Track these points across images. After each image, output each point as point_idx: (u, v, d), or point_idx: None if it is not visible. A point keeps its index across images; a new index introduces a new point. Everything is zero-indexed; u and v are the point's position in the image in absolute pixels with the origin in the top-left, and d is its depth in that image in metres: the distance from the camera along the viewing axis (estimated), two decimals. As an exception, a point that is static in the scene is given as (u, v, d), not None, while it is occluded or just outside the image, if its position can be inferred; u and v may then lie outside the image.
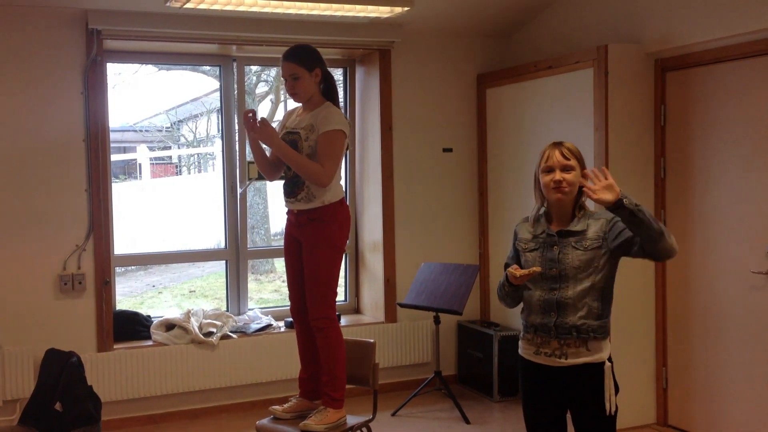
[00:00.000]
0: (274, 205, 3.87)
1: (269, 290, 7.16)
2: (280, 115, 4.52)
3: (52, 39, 4.80)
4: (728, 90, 4.31)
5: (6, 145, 4.73)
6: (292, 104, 4.02)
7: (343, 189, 3.83)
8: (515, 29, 5.80)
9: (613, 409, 2.84)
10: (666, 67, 4.69)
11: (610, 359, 2.87)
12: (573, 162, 2.90)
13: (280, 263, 6.92)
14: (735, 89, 4.27)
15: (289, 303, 3.99)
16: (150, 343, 5.12)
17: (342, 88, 6.02)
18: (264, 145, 3.81)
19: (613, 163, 4.68)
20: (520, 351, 3.05)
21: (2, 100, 4.72)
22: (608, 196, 2.71)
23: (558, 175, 2.89)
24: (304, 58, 3.75)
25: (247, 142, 4.54)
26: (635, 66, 4.71)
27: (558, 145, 2.95)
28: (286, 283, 4.04)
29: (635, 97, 4.73)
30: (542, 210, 3.01)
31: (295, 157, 3.66)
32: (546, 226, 2.97)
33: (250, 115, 3.73)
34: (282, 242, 3.95)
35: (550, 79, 5.13)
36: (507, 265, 3.07)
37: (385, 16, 5.08)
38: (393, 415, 5.14)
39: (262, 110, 7.71)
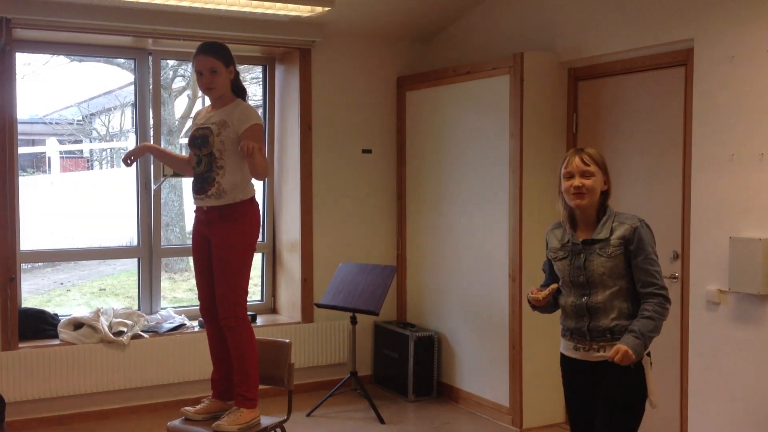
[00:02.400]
0: (190, 202, 3.82)
1: (183, 289, 7.03)
2: (196, 111, 4.49)
3: (-43, 25, 4.61)
4: (636, 100, 4.48)
5: None
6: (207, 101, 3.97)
7: (254, 188, 3.82)
8: (435, 33, 5.88)
9: (656, 402, 2.92)
10: (578, 76, 4.84)
11: (648, 353, 2.93)
12: (593, 168, 2.95)
13: (194, 262, 6.79)
14: (642, 99, 4.44)
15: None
16: (57, 342, 4.96)
17: (261, 86, 5.98)
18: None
19: (527, 168, 4.80)
20: (561, 349, 3.15)
21: None
22: (629, 361, 2.83)
23: (577, 181, 2.95)
24: (224, 53, 3.74)
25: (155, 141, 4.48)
26: (549, 74, 4.84)
27: (579, 151, 3.00)
28: (196, 282, 3.98)
29: (549, 104, 4.86)
30: (566, 216, 3.06)
31: (255, 156, 3.58)
32: (571, 233, 3.02)
33: (129, 161, 3.89)
34: (194, 241, 3.89)
35: (468, 84, 5.22)
36: (543, 270, 3.20)
37: (306, 15, 5.07)
38: (308, 415, 5.13)
39: (179, 106, 7.57)
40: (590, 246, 2.96)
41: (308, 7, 4.87)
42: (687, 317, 4.08)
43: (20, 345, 4.84)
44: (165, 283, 6.31)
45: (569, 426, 3.22)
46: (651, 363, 2.94)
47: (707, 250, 3.93)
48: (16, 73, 4.90)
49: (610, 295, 2.94)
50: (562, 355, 3.15)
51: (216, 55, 3.71)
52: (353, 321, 5.30)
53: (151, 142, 5.40)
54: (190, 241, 3.92)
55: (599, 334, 2.96)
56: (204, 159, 3.70)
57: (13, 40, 4.76)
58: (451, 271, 5.48)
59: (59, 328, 5.02)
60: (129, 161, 3.89)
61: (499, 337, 5.00)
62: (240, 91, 3.83)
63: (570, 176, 2.96)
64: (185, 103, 7.79)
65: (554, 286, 3.04)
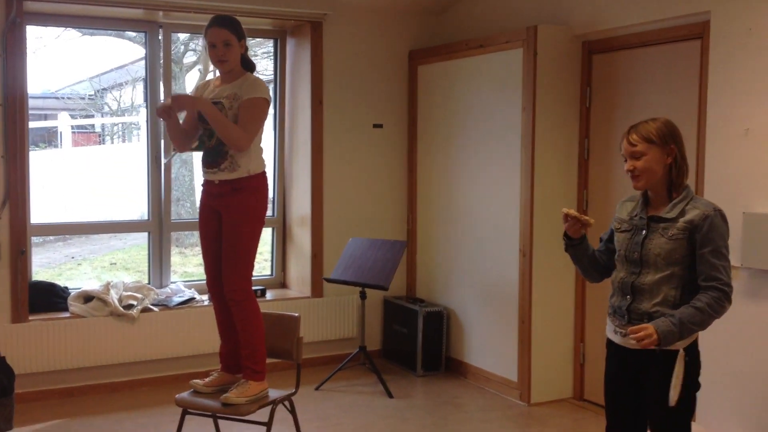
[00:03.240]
0: (201, 177, 3.81)
1: (194, 264, 7.04)
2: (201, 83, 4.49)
3: (-33, -4, 4.59)
4: (651, 74, 4.42)
5: None
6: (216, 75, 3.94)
7: (265, 162, 3.79)
8: (447, 6, 5.81)
9: (675, 399, 2.70)
10: (592, 50, 4.78)
11: (689, 349, 2.75)
12: (641, 147, 2.74)
13: (205, 237, 6.79)
14: (657, 73, 4.38)
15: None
16: (67, 315, 4.98)
17: (272, 60, 5.94)
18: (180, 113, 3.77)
19: (539, 143, 4.76)
20: (606, 330, 2.98)
21: None
22: (651, 344, 2.64)
23: (629, 164, 2.79)
24: (237, 26, 3.73)
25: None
26: (563, 48, 4.77)
27: (629, 130, 2.81)
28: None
29: (562, 78, 4.80)
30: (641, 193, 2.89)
31: (219, 116, 3.60)
32: (642, 208, 2.85)
33: (162, 111, 3.69)
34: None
35: (480, 57, 5.16)
36: (600, 240, 3.02)
37: (317, -13, 5.02)
38: (317, 389, 5.14)
39: (190, 81, 7.54)
40: (656, 224, 2.77)
41: (319, -21, 4.82)
42: (699, 294, 4.03)
43: (30, 318, 4.87)
44: (175, 258, 6.33)
45: (605, 414, 3.03)
46: (686, 359, 2.72)
47: (720, 225, 3.88)
48: (26, 47, 4.88)
49: (660, 279, 2.74)
50: (607, 338, 2.98)
51: (230, 27, 3.69)
52: (362, 296, 5.29)
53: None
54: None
55: (638, 317, 2.77)
56: (216, 133, 3.67)
57: (24, 12, 4.74)
58: (461, 246, 5.45)
59: (69, 301, 5.04)
60: (165, 113, 3.70)
61: (508, 312, 4.98)
62: (249, 65, 3.81)
63: (625, 159, 2.82)
64: (196, 77, 7.76)
65: (590, 219, 2.86)
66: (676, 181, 2.79)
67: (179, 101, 3.70)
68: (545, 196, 4.78)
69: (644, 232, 2.81)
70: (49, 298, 5.07)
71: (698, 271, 2.71)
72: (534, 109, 4.72)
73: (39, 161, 7.90)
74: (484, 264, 5.24)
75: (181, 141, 3.84)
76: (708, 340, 3.96)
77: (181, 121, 3.82)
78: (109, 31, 6.41)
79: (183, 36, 7.26)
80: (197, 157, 3.98)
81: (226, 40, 3.67)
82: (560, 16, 4.83)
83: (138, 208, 6.09)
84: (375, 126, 5.84)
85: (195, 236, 7.28)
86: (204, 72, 7.58)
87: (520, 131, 4.83)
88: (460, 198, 5.44)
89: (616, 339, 2.90)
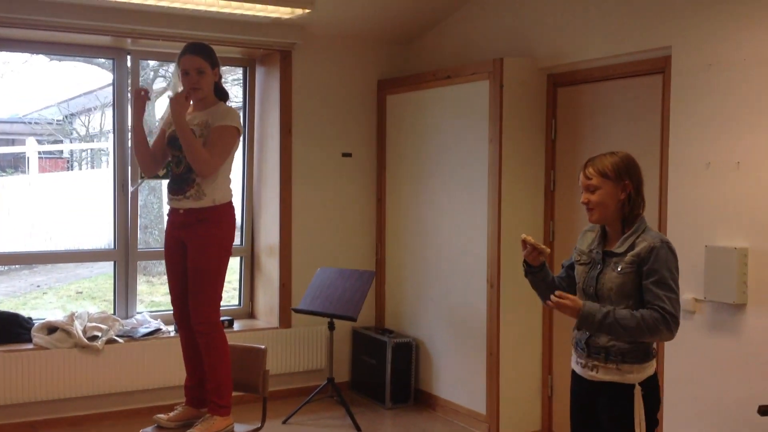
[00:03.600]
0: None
1: (161, 293, 6.97)
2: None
3: (-70, 24, 4.54)
4: (614, 107, 4.47)
5: None
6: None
7: (232, 191, 3.78)
8: (415, 37, 5.86)
9: None
10: (557, 82, 4.83)
11: (646, 382, 2.76)
12: (596, 180, 2.77)
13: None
14: (621, 106, 4.43)
15: (173, 308, 3.88)
16: (30, 346, 4.90)
17: (241, 88, 5.94)
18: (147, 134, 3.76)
19: (506, 174, 4.78)
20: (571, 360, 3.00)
21: None
22: (562, 310, 2.71)
23: (584, 197, 2.82)
24: (211, 54, 3.73)
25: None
26: (529, 80, 4.82)
27: (585, 164, 2.84)
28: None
29: (528, 110, 4.85)
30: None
31: (190, 136, 3.57)
32: (599, 242, 2.87)
33: (143, 93, 3.70)
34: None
35: (447, 88, 5.20)
36: (562, 266, 3.02)
37: (286, 16, 5.04)
38: (284, 422, 5.09)
39: (159, 107, 7.51)
40: (609, 258, 2.80)
41: (288, 9, 4.84)
42: (663, 326, 4.06)
43: (-8, 349, 4.78)
44: (143, 287, 6.26)
45: None
46: (643, 394, 2.74)
47: (683, 258, 3.87)
48: (-9, 73, 4.85)
49: None
50: (572, 369, 2.99)
51: (203, 55, 3.68)
52: (331, 326, 5.26)
53: (129, 144, 5.35)
54: (164, 245, 3.86)
55: (595, 351, 2.79)
56: (184, 160, 3.65)
57: (-13, 39, 4.70)
58: (429, 276, 5.45)
59: (33, 332, 4.96)
60: (143, 95, 3.72)
61: (476, 343, 4.98)
62: (222, 94, 3.80)
63: (582, 191, 2.85)
64: (166, 103, 7.73)
65: (546, 248, 2.88)
66: (629, 216, 2.81)
67: (177, 102, 3.60)
68: (512, 226, 4.80)
69: (599, 266, 2.83)
70: (12, 329, 4.98)
71: (645, 301, 2.72)
72: (500, 140, 4.76)
73: (5, 187, 7.81)
74: (452, 294, 5.24)
75: (149, 162, 3.81)
76: (672, 371, 3.99)
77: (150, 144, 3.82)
78: (78, 57, 6.38)
79: (152, 63, 7.25)
80: (165, 184, 3.97)
81: (200, 67, 3.66)
82: (526, 48, 4.89)
83: (105, 236, 6.04)
84: (344, 155, 5.84)
85: (163, 265, 7.21)
86: (173, 99, 7.55)
87: (487, 162, 4.86)
88: (429, 228, 5.44)
89: (577, 370, 2.92)
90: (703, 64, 3.82)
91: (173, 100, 3.59)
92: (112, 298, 5.50)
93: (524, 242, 2.94)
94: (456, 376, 5.22)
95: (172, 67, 7.55)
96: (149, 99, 3.71)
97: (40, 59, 7.13)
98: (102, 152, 8.25)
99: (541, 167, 4.91)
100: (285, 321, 5.61)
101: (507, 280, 4.78)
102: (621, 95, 4.43)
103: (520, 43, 4.93)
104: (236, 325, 5.58)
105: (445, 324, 5.32)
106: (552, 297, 2.75)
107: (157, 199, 7.10)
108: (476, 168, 4.96)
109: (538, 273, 2.99)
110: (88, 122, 8.42)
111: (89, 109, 8.22)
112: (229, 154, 3.70)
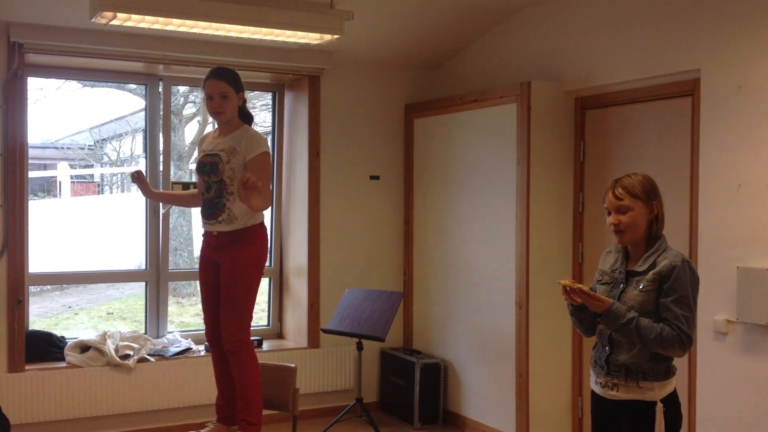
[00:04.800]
0: (199, 227, 3.87)
1: (191, 313, 7.04)
2: (201, 135, 4.58)
3: (-28, 50, 4.67)
4: (643, 129, 4.49)
5: None
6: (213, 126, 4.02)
7: (263, 213, 3.83)
8: (443, 61, 5.93)
9: None
10: (585, 105, 4.86)
11: (667, 399, 2.77)
12: (627, 201, 2.78)
13: (202, 286, 6.81)
14: (650, 129, 4.46)
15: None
16: (63, 364, 4.97)
17: (271, 112, 6.03)
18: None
19: (534, 196, 4.81)
20: (590, 381, 3.00)
21: None
22: (596, 308, 2.76)
23: (613, 218, 2.81)
24: (235, 78, 3.77)
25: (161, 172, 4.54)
26: (556, 103, 4.86)
27: (614, 183, 2.84)
28: (205, 307, 3.98)
29: (556, 132, 4.88)
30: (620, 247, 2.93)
31: (251, 201, 3.52)
32: (622, 262, 2.89)
33: (136, 174, 3.90)
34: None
35: (475, 112, 5.25)
36: (592, 289, 3.01)
37: (315, 42, 5.11)
38: (312, 441, 5.10)
39: (189, 132, 7.63)
40: (632, 277, 2.82)
41: (317, 35, 4.92)
42: (695, 347, 4.05)
43: (27, 367, 4.85)
44: (172, 308, 6.33)
45: None
46: (664, 411, 2.75)
47: (715, 279, 3.92)
48: (27, 98, 4.96)
49: None
50: (591, 390, 2.99)
51: (227, 80, 3.74)
52: (359, 347, 5.28)
53: (161, 168, 5.44)
54: (198, 266, 3.93)
55: (616, 368, 2.80)
56: (214, 185, 3.72)
57: (25, 64, 4.82)
58: (457, 297, 5.47)
59: (66, 351, 5.03)
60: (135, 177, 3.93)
61: (506, 364, 4.98)
62: (247, 117, 3.85)
63: (608, 212, 2.85)
64: (195, 128, 7.86)
65: (584, 288, 2.81)
66: (654, 235, 2.83)
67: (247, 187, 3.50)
68: (541, 248, 4.81)
69: (622, 285, 2.85)
70: (45, 348, 5.06)
71: (662, 318, 2.73)
72: (528, 163, 4.79)
73: (38, 210, 7.94)
74: (480, 315, 5.25)
75: (188, 205, 4.03)
76: (704, 392, 3.97)
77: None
78: (110, 83, 6.51)
79: (183, 88, 7.39)
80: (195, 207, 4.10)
81: (223, 92, 3.72)
82: (553, 72, 4.93)
83: (136, 258, 6.12)
84: (372, 177, 5.90)
85: (192, 286, 7.29)
86: (203, 124, 7.68)
87: (515, 184, 4.89)
88: (456, 249, 5.47)
89: (597, 389, 2.92)
90: (733, 86, 3.84)
91: (240, 191, 3.54)
92: (143, 318, 5.57)
93: (564, 287, 2.87)
94: (485, 397, 5.22)
95: (201, 93, 7.69)
96: (144, 179, 3.92)
97: (73, 85, 7.29)
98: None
99: (570, 189, 4.93)
100: (314, 341, 5.65)
101: (536, 300, 4.79)
102: (650, 117, 4.45)
103: (547, 66, 4.98)
104: (265, 346, 5.63)
105: (474, 344, 5.32)
106: (583, 287, 2.76)
107: (186, 222, 7.19)
108: (504, 190, 4.99)
109: (584, 310, 2.96)
110: (119, 147, 8.57)
111: (120, 134, 8.37)
112: (270, 179, 3.77)
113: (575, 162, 4.93)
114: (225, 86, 3.72)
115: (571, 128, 4.92)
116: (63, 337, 5.23)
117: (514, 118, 4.88)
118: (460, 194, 5.44)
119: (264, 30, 4.73)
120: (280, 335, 5.95)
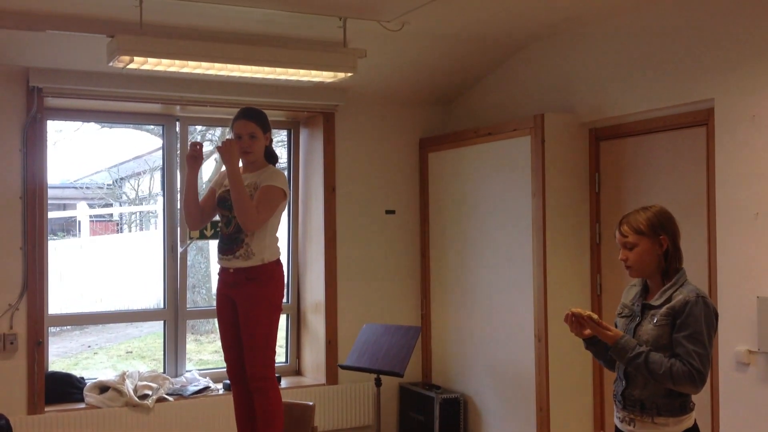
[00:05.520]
0: (216, 264, 3.90)
1: (209, 351, 7.05)
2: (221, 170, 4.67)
3: (-8, 96, 4.76)
4: (658, 159, 4.48)
5: (-61, 201, 4.63)
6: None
7: (280, 250, 3.86)
8: (456, 96, 5.96)
9: None
10: (600, 136, 4.86)
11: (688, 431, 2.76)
12: (632, 238, 2.82)
13: (220, 323, 6.82)
14: (665, 159, 4.45)
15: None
16: (83, 405, 4.97)
17: (286, 149, 6.08)
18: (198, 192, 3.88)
19: (550, 228, 4.80)
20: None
21: (-63, 156, 4.63)
22: (605, 339, 2.78)
23: (621, 254, 2.87)
24: (263, 119, 3.87)
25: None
26: (570, 134, 4.87)
27: (621, 221, 2.89)
28: (224, 345, 3.99)
29: (571, 164, 4.88)
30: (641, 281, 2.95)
31: (241, 183, 3.66)
32: (640, 295, 2.92)
33: (198, 147, 3.85)
34: (221, 303, 3.92)
35: (489, 145, 5.26)
36: (615, 324, 3.02)
37: (329, 80, 5.16)
38: (332, 480, 5.06)
39: (207, 169, 7.71)
40: (647, 311, 2.84)
41: (331, 73, 4.97)
42: (717, 379, 4.00)
43: (46, 409, 4.86)
44: (191, 345, 6.34)
45: None
46: None
47: (735, 310, 3.87)
48: (47, 141, 5.03)
49: None
50: (615, 425, 2.98)
51: (256, 120, 3.82)
52: (378, 383, 5.24)
53: (179, 206, 5.48)
54: (215, 303, 3.94)
55: (631, 403, 2.81)
56: (233, 220, 3.75)
57: (44, 108, 4.90)
58: (476, 331, 5.44)
59: (85, 392, 5.04)
60: (198, 148, 3.89)
61: (525, 398, 4.93)
62: (272, 158, 3.91)
63: (620, 248, 2.89)
64: (212, 166, 7.94)
65: (594, 315, 2.83)
66: (668, 269, 2.83)
67: (229, 148, 3.72)
68: (558, 280, 4.79)
69: (638, 319, 2.86)
70: (65, 389, 5.07)
71: (674, 354, 2.71)
72: (544, 194, 4.79)
73: (57, 250, 8.02)
74: (499, 349, 5.21)
75: (195, 216, 3.91)
76: (726, 423, 3.91)
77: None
78: (128, 124, 6.61)
79: (199, 127, 7.48)
80: (213, 244, 4.11)
81: (252, 132, 3.79)
82: (566, 104, 4.95)
83: (154, 296, 6.16)
84: (387, 212, 5.91)
85: (211, 323, 7.31)
86: (220, 161, 7.76)
87: (530, 216, 4.88)
88: (474, 283, 5.45)
89: (618, 424, 2.91)
90: (747, 115, 3.83)
91: (222, 148, 3.70)
92: (162, 356, 5.57)
93: (567, 317, 2.90)
94: (505, 433, 5.16)
95: (218, 132, 7.78)
96: (202, 154, 3.87)
97: (92, 126, 7.40)
98: (151, 214, 8.46)
99: (586, 220, 4.92)
100: (332, 377, 5.62)
101: (555, 333, 4.75)
102: (664, 147, 4.44)
103: (560, 98, 5.00)
104: (283, 382, 5.60)
105: (493, 379, 5.28)
106: (593, 315, 2.78)
107: (204, 259, 7.23)
108: (520, 222, 4.98)
109: (598, 343, 2.94)
110: (138, 186, 8.66)
111: (138, 173, 8.47)
112: (273, 212, 3.78)
113: (591, 193, 4.92)
114: (254, 126, 3.80)
115: (585, 159, 4.92)
116: (82, 378, 5.24)
117: (528, 150, 4.89)
118: (476, 227, 5.43)
119: (278, 70, 4.79)
120: (298, 372, 5.93)
